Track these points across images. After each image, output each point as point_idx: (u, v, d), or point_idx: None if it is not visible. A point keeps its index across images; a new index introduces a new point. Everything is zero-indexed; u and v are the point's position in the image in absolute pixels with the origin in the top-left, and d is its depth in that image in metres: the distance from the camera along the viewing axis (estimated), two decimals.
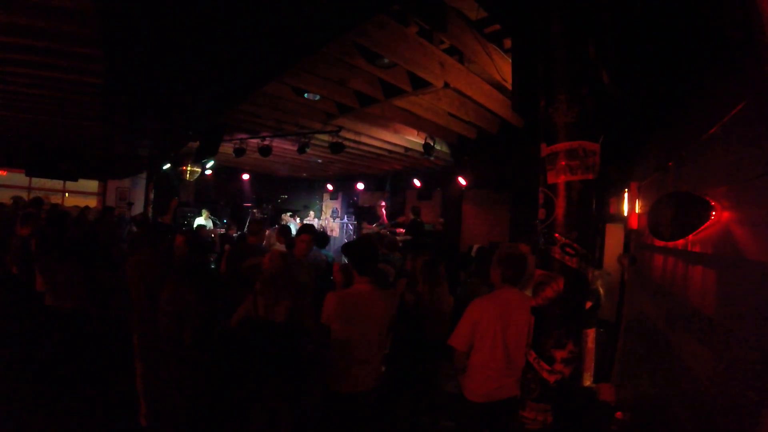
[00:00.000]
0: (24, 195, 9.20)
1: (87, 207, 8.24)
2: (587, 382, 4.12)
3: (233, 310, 2.82)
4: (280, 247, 4.63)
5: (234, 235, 8.13)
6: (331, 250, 7.54)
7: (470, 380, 2.43)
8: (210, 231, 8.23)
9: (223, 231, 8.99)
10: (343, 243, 12.03)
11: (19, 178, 9.53)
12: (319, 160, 9.39)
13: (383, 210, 9.97)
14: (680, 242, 2.09)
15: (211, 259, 6.33)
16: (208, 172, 10.36)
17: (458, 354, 2.44)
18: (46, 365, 3.56)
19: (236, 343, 2.59)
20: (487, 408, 2.37)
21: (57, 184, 9.82)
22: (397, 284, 3.55)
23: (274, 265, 2.78)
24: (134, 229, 6.84)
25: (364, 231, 9.61)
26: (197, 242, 3.86)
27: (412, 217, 8.86)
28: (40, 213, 5.66)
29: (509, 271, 2.45)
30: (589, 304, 4.17)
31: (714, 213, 1.66)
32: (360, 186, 11.84)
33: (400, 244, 7.17)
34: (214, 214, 10.62)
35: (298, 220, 11.41)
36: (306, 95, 5.10)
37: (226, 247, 4.95)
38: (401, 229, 8.88)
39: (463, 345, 2.41)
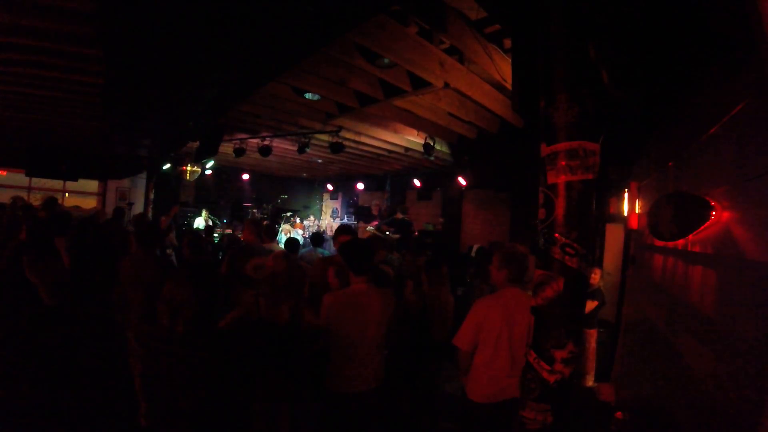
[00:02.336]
0: (24, 195, 9.20)
1: (98, 210, 8.18)
2: (590, 382, 4.13)
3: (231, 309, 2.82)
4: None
5: (239, 234, 8.14)
6: (329, 249, 7.59)
7: (474, 381, 2.42)
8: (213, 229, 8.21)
9: (230, 231, 9.01)
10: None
11: (19, 178, 9.53)
12: (319, 160, 9.40)
13: (377, 210, 9.99)
14: (680, 242, 2.09)
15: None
16: (208, 172, 10.36)
17: (462, 354, 2.42)
18: (43, 365, 3.56)
19: (237, 343, 2.58)
20: (490, 409, 2.35)
21: (57, 184, 9.81)
22: (406, 286, 3.55)
23: (276, 266, 2.78)
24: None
25: (360, 229, 9.69)
26: (198, 243, 3.91)
27: (400, 216, 8.97)
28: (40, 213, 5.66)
29: (515, 271, 2.43)
30: (596, 304, 4.20)
31: (714, 213, 1.66)
32: (360, 186, 11.84)
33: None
34: (214, 214, 10.62)
35: (298, 220, 11.40)
36: (306, 95, 5.10)
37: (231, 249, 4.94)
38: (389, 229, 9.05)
39: (467, 344, 2.39)
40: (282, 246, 5.10)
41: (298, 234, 10.11)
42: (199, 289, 2.16)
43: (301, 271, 3.68)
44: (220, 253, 6.78)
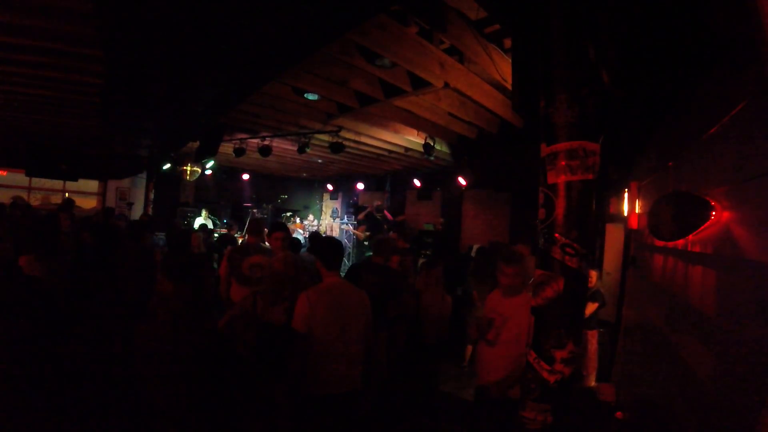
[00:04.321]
0: (24, 195, 9.19)
1: (97, 210, 8.20)
2: (592, 383, 4.14)
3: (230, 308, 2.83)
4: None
5: (235, 234, 8.14)
6: None
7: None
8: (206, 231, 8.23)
9: (225, 231, 9.03)
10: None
11: (19, 178, 9.52)
12: (319, 160, 9.40)
13: (384, 211, 10.06)
14: (680, 242, 2.09)
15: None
16: (208, 172, 10.36)
17: None
18: (43, 363, 3.56)
19: (235, 343, 2.59)
20: None
21: (57, 184, 9.81)
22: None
23: (284, 267, 2.79)
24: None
25: (360, 230, 9.89)
26: (178, 239, 4.11)
27: (378, 214, 9.46)
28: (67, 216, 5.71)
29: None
30: (596, 305, 4.20)
31: (714, 213, 1.66)
32: (360, 186, 11.84)
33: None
34: (214, 214, 10.62)
35: (298, 219, 11.39)
36: (306, 95, 5.10)
37: (229, 248, 4.96)
38: (359, 231, 9.87)
39: None
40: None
41: (299, 234, 10.12)
42: (180, 285, 2.17)
43: (304, 273, 3.69)
44: (216, 255, 6.81)
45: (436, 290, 3.30)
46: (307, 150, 7.10)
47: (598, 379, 4.19)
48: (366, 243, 9.46)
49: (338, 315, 2.34)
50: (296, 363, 2.30)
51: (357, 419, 2.48)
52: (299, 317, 2.28)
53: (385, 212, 9.91)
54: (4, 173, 10.05)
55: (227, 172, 11.79)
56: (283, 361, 2.45)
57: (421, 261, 5.60)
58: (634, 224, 3.44)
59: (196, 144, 7.22)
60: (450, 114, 5.72)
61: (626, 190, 3.73)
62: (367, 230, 9.59)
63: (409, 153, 7.96)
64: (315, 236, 6.15)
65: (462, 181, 8.21)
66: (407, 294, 3.38)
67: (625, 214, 3.75)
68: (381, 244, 3.80)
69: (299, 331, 2.27)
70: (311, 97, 5.13)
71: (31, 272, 3.60)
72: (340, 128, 6.54)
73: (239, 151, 7.64)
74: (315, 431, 2.33)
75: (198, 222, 9.55)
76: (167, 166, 9.18)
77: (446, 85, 4.22)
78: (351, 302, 2.43)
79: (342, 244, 2.75)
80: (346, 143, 6.98)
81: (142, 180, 10.26)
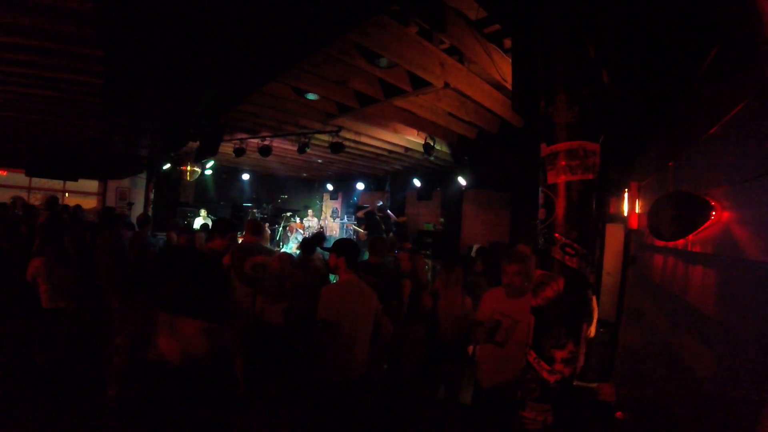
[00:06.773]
0: (24, 195, 9.20)
1: (78, 206, 8.13)
2: None
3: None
4: None
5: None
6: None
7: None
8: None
9: None
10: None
11: (19, 178, 9.53)
12: (319, 160, 9.40)
13: (387, 211, 10.08)
14: (680, 242, 2.09)
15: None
16: (208, 172, 10.35)
17: None
18: (42, 365, 3.56)
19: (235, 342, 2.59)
20: None
21: (57, 184, 9.81)
22: (403, 285, 3.58)
23: (282, 267, 2.81)
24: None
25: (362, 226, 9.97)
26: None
27: (395, 218, 9.67)
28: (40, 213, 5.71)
29: None
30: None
31: (714, 213, 1.66)
32: (360, 186, 11.84)
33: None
34: (214, 214, 10.61)
35: (298, 219, 11.38)
36: (306, 95, 5.10)
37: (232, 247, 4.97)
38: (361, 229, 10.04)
39: None
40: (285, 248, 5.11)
41: (299, 234, 10.12)
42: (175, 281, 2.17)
43: (305, 273, 3.70)
44: None
45: (456, 291, 3.33)
46: (307, 150, 7.10)
47: (597, 379, 4.19)
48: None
49: (352, 308, 2.62)
50: (320, 351, 2.59)
51: (366, 404, 2.76)
52: (326, 309, 2.58)
53: (388, 212, 9.90)
54: (4, 173, 10.06)
55: (227, 172, 11.78)
56: (283, 358, 2.49)
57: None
58: (634, 224, 3.44)
59: (196, 144, 7.22)
60: (450, 114, 5.72)
61: (626, 190, 3.73)
62: (365, 229, 9.69)
63: (409, 153, 7.96)
64: (321, 235, 6.15)
65: (462, 181, 8.21)
66: (425, 295, 3.43)
67: (625, 214, 3.74)
68: (376, 243, 3.84)
69: (327, 321, 2.55)
70: (311, 97, 5.12)
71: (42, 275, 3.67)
72: (340, 128, 6.54)
73: (239, 151, 7.64)
74: (331, 415, 2.59)
75: (198, 222, 9.54)
76: (167, 166, 9.18)
77: (446, 85, 4.22)
78: (362, 297, 2.70)
79: (358, 246, 3.05)
80: (346, 143, 6.98)
81: (142, 180, 10.26)
